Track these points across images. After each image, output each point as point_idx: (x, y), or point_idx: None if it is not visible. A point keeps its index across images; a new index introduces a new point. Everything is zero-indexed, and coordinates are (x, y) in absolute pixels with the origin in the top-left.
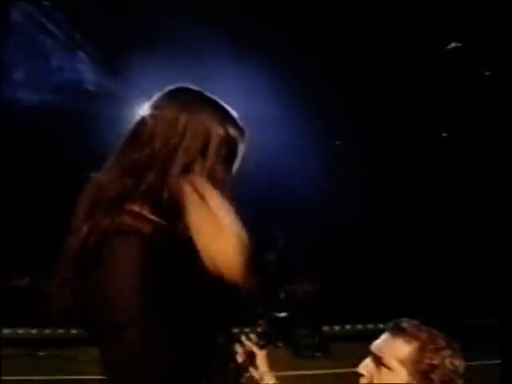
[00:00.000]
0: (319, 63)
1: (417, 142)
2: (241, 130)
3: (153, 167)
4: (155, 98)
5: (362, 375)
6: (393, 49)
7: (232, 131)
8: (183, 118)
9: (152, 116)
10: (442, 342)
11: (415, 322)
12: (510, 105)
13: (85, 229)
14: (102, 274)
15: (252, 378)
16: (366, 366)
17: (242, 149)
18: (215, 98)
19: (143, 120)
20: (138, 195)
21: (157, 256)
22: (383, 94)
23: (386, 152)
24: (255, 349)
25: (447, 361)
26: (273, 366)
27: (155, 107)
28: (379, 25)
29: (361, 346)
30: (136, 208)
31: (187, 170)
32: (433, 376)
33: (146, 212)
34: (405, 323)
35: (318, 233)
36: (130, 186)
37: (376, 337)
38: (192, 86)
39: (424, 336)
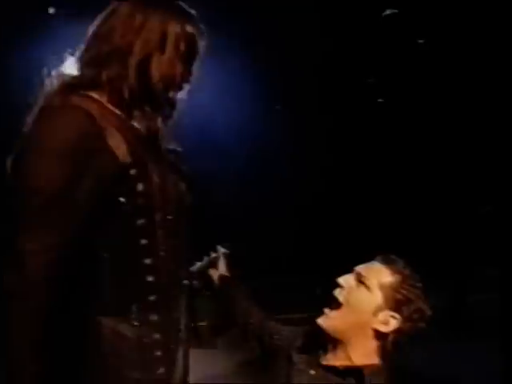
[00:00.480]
0: None
1: (351, 107)
2: (198, 28)
3: (112, 60)
4: None
5: (340, 286)
6: (328, 13)
7: (189, 28)
8: (139, 14)
9: (110, 13)
10: (420, 285)
11: (401, 259)
12: (441, 74)
13: (36, 107)
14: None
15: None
16: (347, 280)
17: (200, 47)
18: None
19: (102, 18)
20: (97, 85)
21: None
22: (320, 61)
23: (319, 119)
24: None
25: (420, 301)
26: None
27: (114, 5)
28: None
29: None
30: (95, 95)
31: (145, 62)
32: (404, 309)
33: (104, 101)
34: (393, 257)
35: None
36: (90, 76)
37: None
38: None
39: (407, 272)
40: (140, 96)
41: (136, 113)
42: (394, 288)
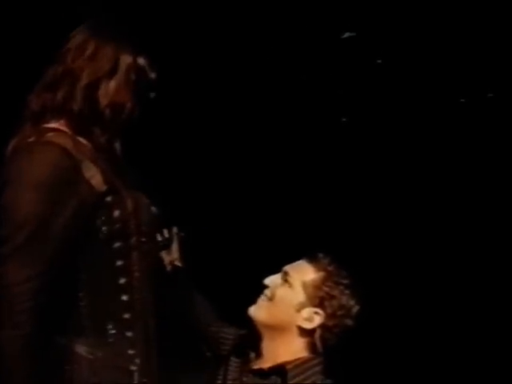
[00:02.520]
0: None
1: (314, 127)
2: (149, 61)
3: (63, 83)
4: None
5: (266, 286)
6: (288, 38)
7: (141, 61)
8: (94, 41)
9: (69, 38)
10: (345, 281)
11: (328, 257)
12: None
13: (11, 143)
14: (11, 183)
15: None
16: (273, 280)
17: (149, 80)
18: (129, 27)
19: (62, 44)
20: (55, 109)
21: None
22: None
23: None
24: None
25: (344, 298)
26: None
27: (72, 33)
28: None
29: None
30: (55, 124)
31: (93, 87)
32: (327, 305)
33: (70, 132)
34: (320, 255)
35: None
36: (48, 99)
37: None
38: (108, 16)
39: (331, 268)
40: (89, 119)
41: (89, 134)
42: (317, 285)
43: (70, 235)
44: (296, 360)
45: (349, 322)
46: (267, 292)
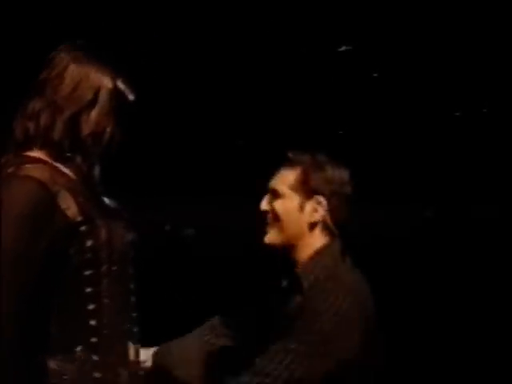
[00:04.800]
0: None
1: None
2: (129, 84)
3: (44, 113)
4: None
5: (266, 211)
6: (286, 51)
7: (121, 85)
8: (73, 69)
9: (47, 65)
10: (323, 159)
11: (299, 151)
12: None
13: None
14: None
15: None
16: (266, 202)
17: (130, 104)
18: (108, 53)
19: (41, 73)
20: (37, 138)
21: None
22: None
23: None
24: None
25: (331, 172)
26: None
27: (51, 56)
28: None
29: None
30: (36, 152)
31: (76, 117)
32: (321, 189)
33: (49, 159)
34: (295, 154)
35: None
36: (30, 128)
37: None
38: (86, 42)
39: (306, 159)
40: (70, 148)
41: (68, 162)
42: (302, 180)
43: (44, 262)
44: (306, 260)
45: (348, 188)
46: (268, 216)
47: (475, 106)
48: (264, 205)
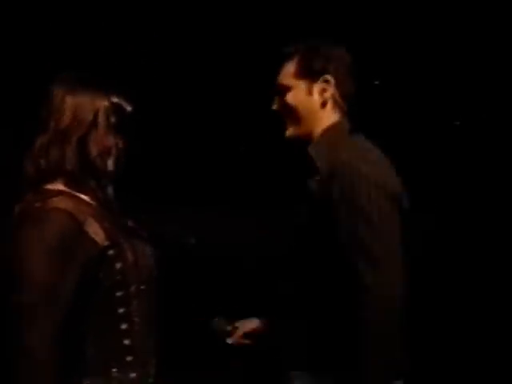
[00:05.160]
0: None
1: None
2: (123, 96)
3: (54, 145)
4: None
5: (279, 110)
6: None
7: (115, 99)
8: (70, 97)
9: (44, 102)
10: (317, 41)
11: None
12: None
13: (17, 208)
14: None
15: None
16: (276, 101)
17: (128, 114)
18: (97, 76)
19: (39, 111)
20: (51, 172)
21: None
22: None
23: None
24: None
25: (327, 51)
26: None
27: (46, 97)
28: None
29: None
30: (54, 185)
31: (83, 142)
32: (327, 69)
33: (70, 190)
34: (292, 46)
35: None
36: (42, 164)
37: None
38: (75, 71)
39: (301, 47)
40: (84, 174)
41: (85, 188)
42: (303, 65)
43: (77, 290)
44: (318, 138)
45: (347, 61)
46: (283, 115)
47: (475, 116)
48: (275, 105)
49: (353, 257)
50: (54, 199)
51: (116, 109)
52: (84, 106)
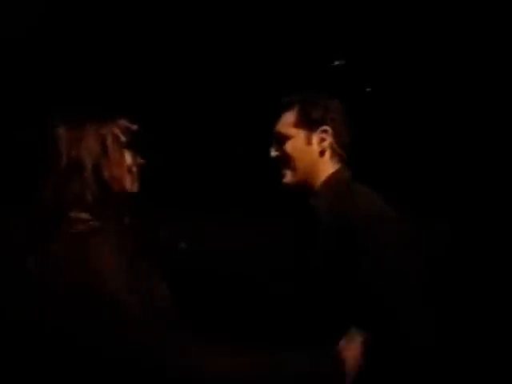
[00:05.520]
0: None
1: None
2: (126, 117)
3: (72, 182)
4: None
5: (277, 157)
6: (279, 64)
7: (120, 121)
8: (73, 138)
9: (51, 143)
10: (314, 93)
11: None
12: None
13: (54, 246)
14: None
15: None
16: (274, 148)
17: (134, 133)
18: (95, 105)
19: (48, 150)
20: (73, 204)
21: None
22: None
23: None
24: None
25: (325, 103)
26: None
27: (50, 134)
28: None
29: None
30: (79, 215)
31: (97, 170)
32: (325, 119)
33: (86, 216)
34: (290, 97)
35: None
36: (62, 199)
37: None
38: (74, 107)
39: (300, 98)
40: (104, 202)
41: (107, 218)
42: (302, 115)
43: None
44: (319, 188)
45: (343, 113)
46: (278, 160)
47: (467, 125)
48: (273, 152)
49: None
50: (93, 223)
51: (123, 130)
52: (89, 140)
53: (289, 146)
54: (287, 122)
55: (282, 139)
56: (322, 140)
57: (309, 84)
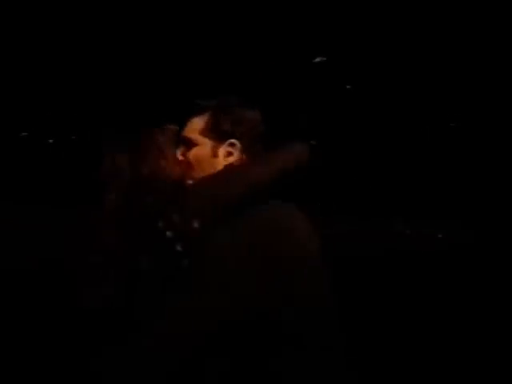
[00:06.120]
0: None
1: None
2: (159, 128)
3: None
4: None
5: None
6: (260, 61)
7: (164, 131)
8: (134, 153)
9: (105, 168)
10: (232, 101)
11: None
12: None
13: None
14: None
15: None
16: (179, 152)
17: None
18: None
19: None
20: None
21: None
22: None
23: None
24: None
25: (238, 113)
26: None
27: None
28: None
29: None
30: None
31: (154, 176)
32: (231, 130)
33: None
34: (206, 101)
35: None
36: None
37: None
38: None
39: (214, 103)
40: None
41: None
42: (211, 124)
43: None
44: None
45: (260, 128)
46: (183, 165)
47: (446, 120)
48: (178, 155)
49: None
50: None
51: (172, 135)
52: (142, 160)
53: (193, 153)
54: (194, 127)
55: (188, 144)
56: (229, 154)
57: (289, 80)
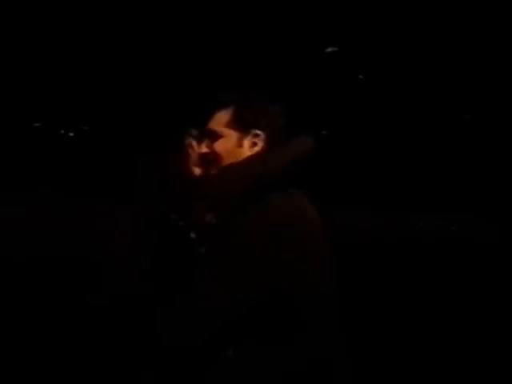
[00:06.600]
0: None
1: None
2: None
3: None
4: None
5: (206, 153)
6: (272, 51)
7: (193, 129)
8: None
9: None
10: (256, 94)
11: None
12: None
13: None
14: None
15: None
16: (205, 145)
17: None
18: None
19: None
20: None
21: None
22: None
23: None
24: None
25: (262, 106)
26: None
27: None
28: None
29: None
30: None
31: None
32: (259, 124)
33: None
34: (228, 93)
35: None
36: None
37: None
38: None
39: (238, 96)
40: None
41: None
42: (237, 117)
43: None
44: None
45: (281, 119)
46: (209, 157)
47: (459, 111)
48: (203, 148)
49: None
50: None
51: (201, 133)
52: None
53: (219, 145)
54: (221, 120)
55: (214, 137)
56: (254, 144)
57: (301, 70)
